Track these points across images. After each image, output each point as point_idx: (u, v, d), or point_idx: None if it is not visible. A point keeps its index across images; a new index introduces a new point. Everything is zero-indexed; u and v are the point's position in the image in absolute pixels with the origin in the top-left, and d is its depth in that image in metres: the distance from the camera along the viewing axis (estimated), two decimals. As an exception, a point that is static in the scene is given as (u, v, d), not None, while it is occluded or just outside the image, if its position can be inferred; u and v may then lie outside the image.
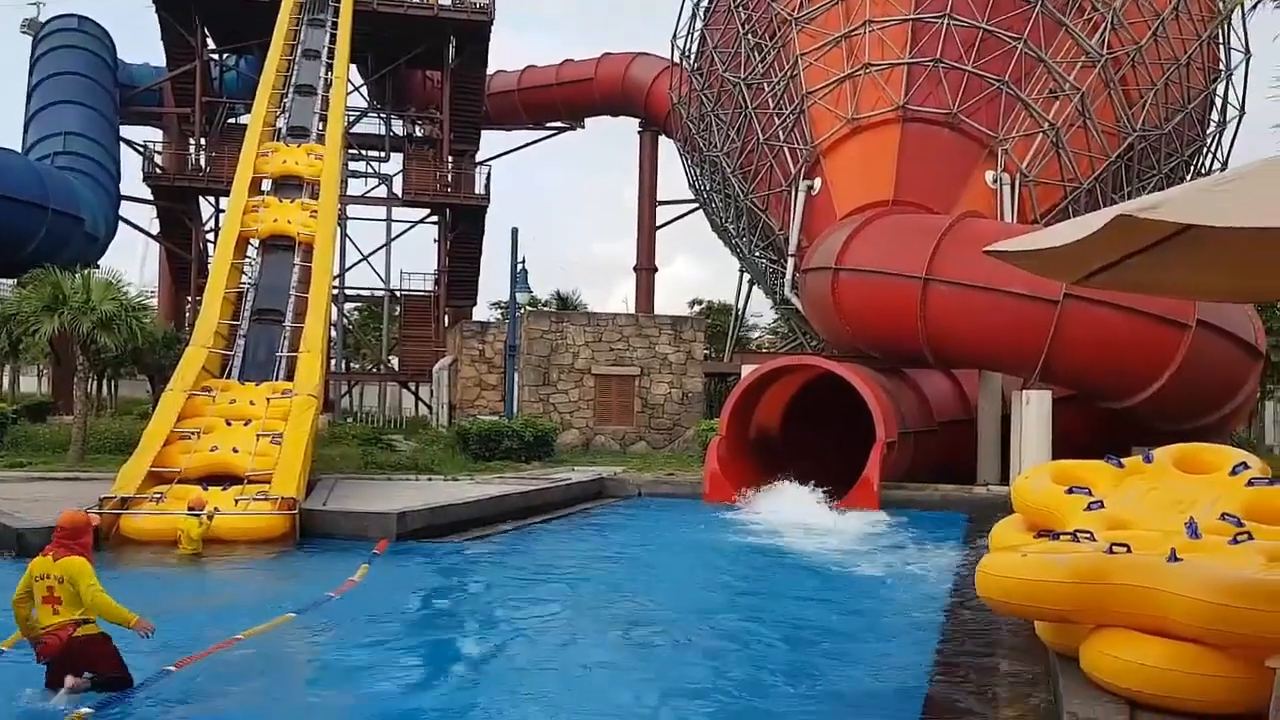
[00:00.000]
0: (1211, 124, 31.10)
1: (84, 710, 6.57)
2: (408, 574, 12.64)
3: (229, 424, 17.12)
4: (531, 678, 8.17)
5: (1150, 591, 6.43)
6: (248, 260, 22.11)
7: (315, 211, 22.50)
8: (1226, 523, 7.60)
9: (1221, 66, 30.63)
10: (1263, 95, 28.96)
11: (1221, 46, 30.52)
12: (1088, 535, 7.66)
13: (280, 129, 26.13)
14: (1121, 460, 9.15)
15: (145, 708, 6.96)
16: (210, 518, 13.81)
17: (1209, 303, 18.67)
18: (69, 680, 6.83)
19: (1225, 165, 30.89)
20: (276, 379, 19.18)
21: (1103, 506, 8.38)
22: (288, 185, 23.87)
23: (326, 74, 28.87)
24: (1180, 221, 4.64)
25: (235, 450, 16.30)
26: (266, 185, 23.81)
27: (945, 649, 9.01)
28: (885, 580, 12.70)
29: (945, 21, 26.28)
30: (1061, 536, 7.83)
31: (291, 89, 27.87)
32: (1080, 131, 26.83)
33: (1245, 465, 8.43)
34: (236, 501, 14.76)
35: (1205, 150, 30.99)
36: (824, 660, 8.81)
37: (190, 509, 13.86)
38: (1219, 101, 30.86)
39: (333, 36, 30.11)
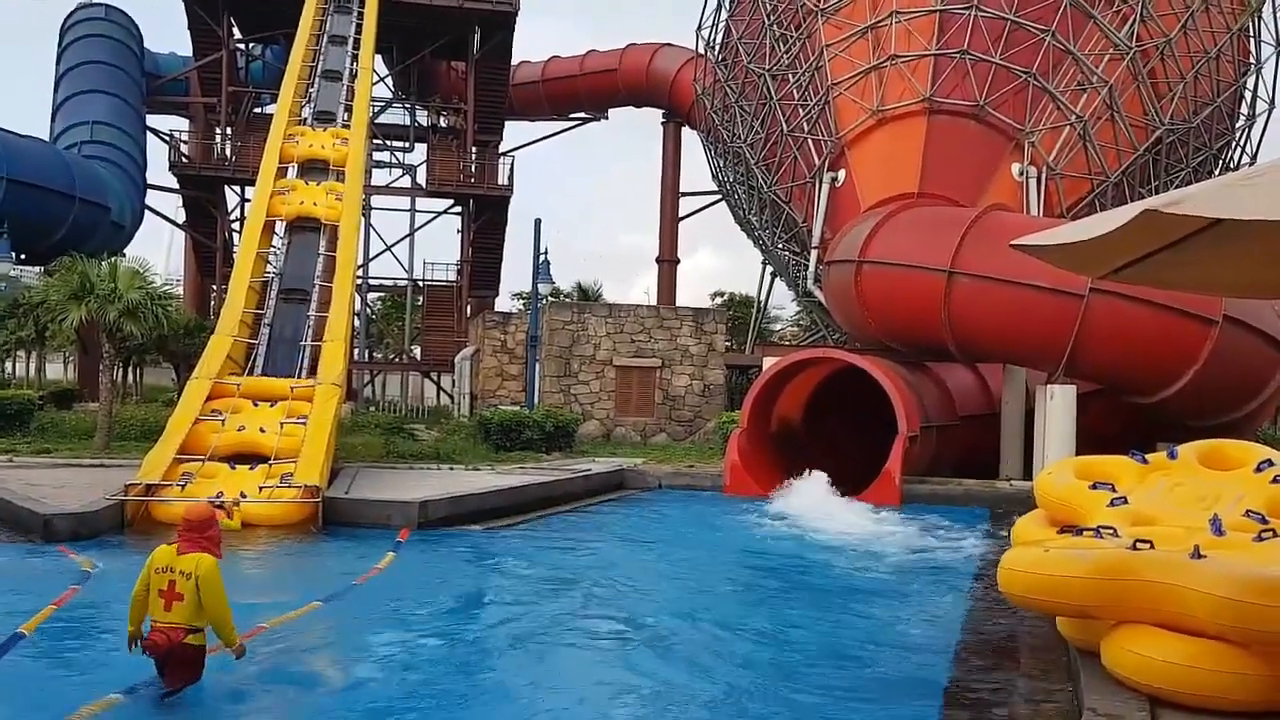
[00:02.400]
0: (1241, 118, 30.79)
1: (113, 695, 6.63)
2: (431, 562, 12.70)
3: (255, 404, 17.34)
4: (552, 665, 8.20)
5: (1173, 588, 6.41)
6: (273, 250, 22.29)
7: (341, 195, 22.72)
8: (1251, 520, 7.56)
9: (1252, 60, 30.31)
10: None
11: (1252, 39, 30.20)
12: (1111, 531, 7.63)
13: (306, 118, 26.36)
14: (1145, 456, 9.10)
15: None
16: (229, 515, 13.44)
17: (1235, 298, 18.50)
18: None
19: (1254, 159, 30.60)
20: (301, 366, 19.40)
21: (1126, 502, 8.35)
22: (314, 169, 24.12)
23: (352, 64, 29.06)
24: (1206, 216, 4.61)
25: (262, 430, 16.51)
26: (292, 172, 24.00)
27: (965, 644, 8.99)
28: (906, 574, 12.66)
29: (972, 13, 26.09)
30: (1084, 532, 7.82)
31: (318, 74, 28.11)
32: (1108, 124, 26.59)
33: (1270, 462, 8.37)
34: (260, 489, 14.89)
35: (1234, 144, 30.68)
36: (840, 655, 8.79)
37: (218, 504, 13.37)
38: (1249, 95, 30.55)
39: (358, 26, 30.28)
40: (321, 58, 28.87)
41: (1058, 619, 7.88)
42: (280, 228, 22.53)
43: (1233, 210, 4.49)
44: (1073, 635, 7.60)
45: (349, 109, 26.67)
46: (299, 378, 19.01)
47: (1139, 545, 6.99)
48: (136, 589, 6.86)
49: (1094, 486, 8.71)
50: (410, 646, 8.74)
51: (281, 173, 23.65)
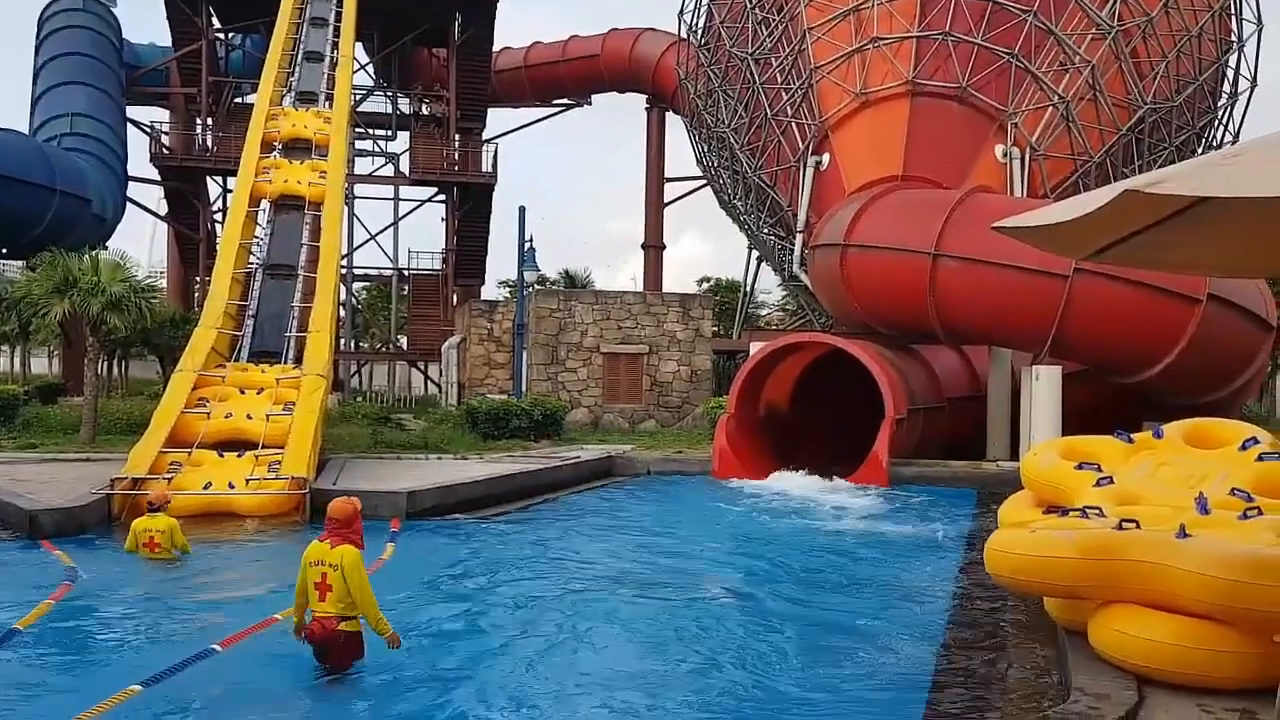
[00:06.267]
0: (1223, 96, 30.85)
1: (134, 686, 6.60)
2: (421, 553, 12.65)
3: (243, 392, 17.33)
4: (546, 651, 8.22)
5: (1159, 567, 6.43)
6: (256, 240, 22.21)
7: (324, 172, 22.73)
8: (1236, 498, 7.58)
9: (1233, 38, 30.36)
10: (1276, 67, 28.76)
11: (1233, 17, 30.24)
12: (1097, 511, 7.65)
13: (290, 101, 26.37)
14: (1131, 436, 9.13)
15: (194, 685, 7.01)
16: (160, 509, 11.75)
17: (1219, 278, 18.57)
18: None
19: (1236, 138, 30.67)
20: (287, 350, 19.38)
21: (1112, 482, 8.37)
22: (297, 149, 24.19)
23: (333, 51, 28.93)
24: (1187, 194, 4.61)
25: (249, 417, 16.50)
26: (275, 154, 23.95)
27: (953, 625, 9.03)
28: (892, 556, 12.70)
29: (954, -6, 26.07)
30: (1070, 513, 7.83)
31: (299, 55, 28.10)
32: (1090, 105, 26.63)
33: (1255, 440, 8.41)
34: (248, 481, 14.86)
35: (1216, 123, 30.76)
36: (829, 636, 8.82)
37: (151, 506, 11.80)
38: (1230, 73, 30.61)
39: (338, 13, 30.12)
40: (302, 41, 28.82)
41: (1045, 599, 7.92)
42: (265, 209, 22.58)
43: (1214, 189, 4.48)
44: (1060, 615, 7.63)
45: (330, 97, 26.61)
46: (285, 362, 18.98)
47: (1125, 525, 7.01)
48: (298, 584, 7.28)
49: (1080, 467, 8.73)
50: (418, 636, 8.70)
51: (265, 149, 23.67)
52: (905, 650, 8.34)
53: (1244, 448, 8.37)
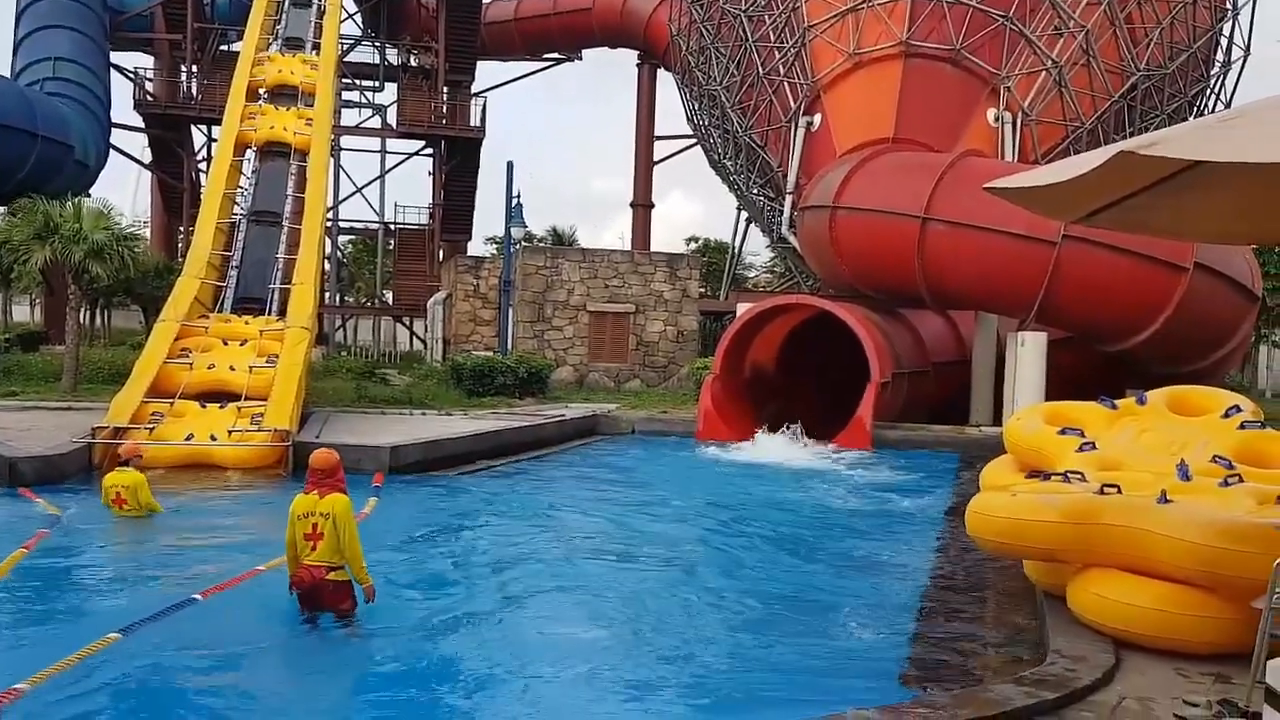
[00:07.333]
0: (1216, 64, 30.72)
1: (114, 633, 6.58)
2: (407, 507, 12.66)
3: (225, 343, 17.24)
4: (521, 610, 8.23)
5: (1139, 532, 6.46)
6: (240, 189, 21.98)
7: (311, 120, 22.48)
8: (1218, 465, 7.61)
9: (1228, 5, 30.18)
10: (1269, 36, 28.62)
11: (1229, -15, 30.07)
12: (1079, 476, 7.67)
13: (276, 47, 26.05)
14: (1115, 402, 9.13)
15: (175, 633, 7.01)
16: (129, 464, 11.16)
17: (1207, 245, 18.57)
18: None
19: (1229, 106, 30.58)
20: (270, 311, 19.23)
21: (1094, 448, 8.39)
22: (283, 95, 23.93)
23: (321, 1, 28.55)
24: (1181, 157, 4.57)
25: (232, 368, 16.43)
26: (261, 102, 23.67)
27: (932, 587, 9.07)
28: (874, 518, 12.75)
29: (950, -45, 25.79)
30: (1052, 477, 7.85)
31: (287, 1, 27.82)
32: (1083, 70, 26.48)
33: (1238, 408, 8.42)
34: (230, 432, 14.81)
35: (1209, 91, 30.65)
36: (806, 602, 8.84)
37: (121, 460, 11.26)
38: (1224, 41, 30.47)
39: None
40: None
41: (1025, 562, 7.96)
42: (250, 159, 22.36)
43: (1209, 153, 4.44)
44: (1039, 579, 7.67)
45: (317, 46, 26.29)
46: (269, 314, 18.86)
47: (1106, 490, 7.03)
48: (287, 538, 7.38)
49: (1063, 432, 8.74)
50: (398, 589, 8.70)
51: (252, 95, 23.41)
52: (883, 612, 8.37)
53: (1226, 416, 8.39)
